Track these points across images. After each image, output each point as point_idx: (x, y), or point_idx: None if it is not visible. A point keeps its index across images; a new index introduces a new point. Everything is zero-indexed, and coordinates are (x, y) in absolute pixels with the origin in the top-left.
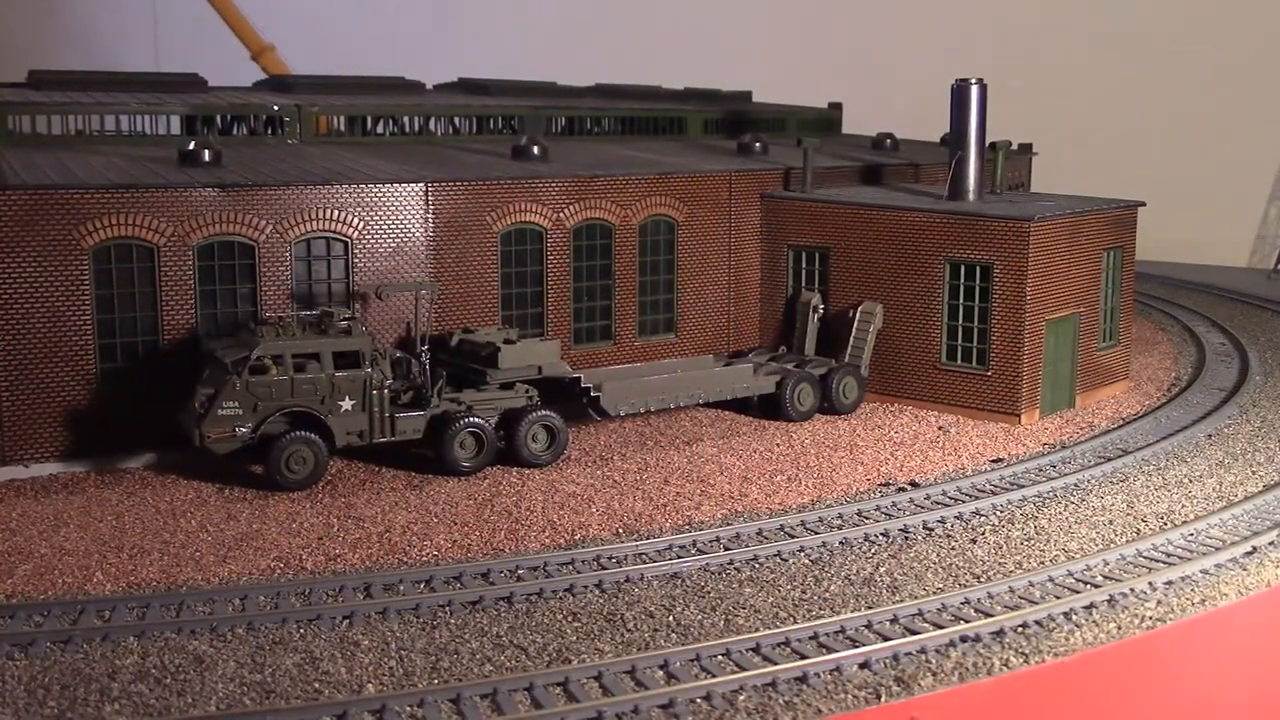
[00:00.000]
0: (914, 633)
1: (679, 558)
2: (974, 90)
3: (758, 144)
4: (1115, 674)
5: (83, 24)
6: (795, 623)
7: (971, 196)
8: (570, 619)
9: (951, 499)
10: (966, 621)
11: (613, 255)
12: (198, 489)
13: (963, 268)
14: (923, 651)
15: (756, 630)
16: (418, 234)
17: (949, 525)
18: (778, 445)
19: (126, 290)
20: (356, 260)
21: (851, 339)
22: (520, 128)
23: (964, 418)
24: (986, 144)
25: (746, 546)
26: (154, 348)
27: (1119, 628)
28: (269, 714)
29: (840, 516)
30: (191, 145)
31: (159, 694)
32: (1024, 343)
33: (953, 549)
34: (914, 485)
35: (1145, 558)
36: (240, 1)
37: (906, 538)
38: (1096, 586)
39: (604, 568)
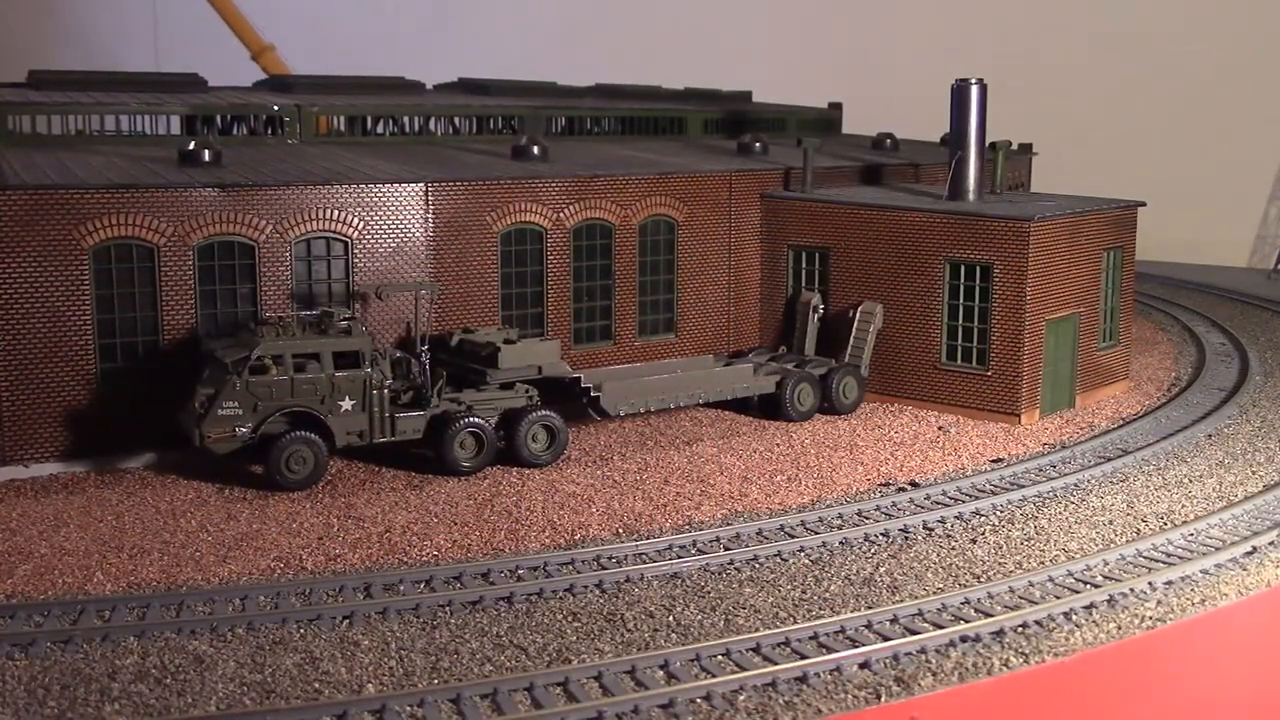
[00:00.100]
0: (914, 633)
1: (679, 558)
2: (974, 90)
3: (758, 144)
4: (1115, 674)
5: (83, 24)
6: (795, 623)
7: (971, 196)
8: (570, 619)
9: (951, 499)
10: (966, 621)
11: (613, 255)
12: (198, 489)
13: (963, 268)
14: (923, 651)
15: (756, 630)
16: (418, 234)
17: (949, 525)
18: (778, 445)
19: (126, 290)
20: (356, 260)
21: (851, 339)
22: (520, 128)
23: (964, 418)
24: (986, 144)
25: (746, 546)
26: (154, 348)
27: (1119, 628)
28: (269, 714)
29: (840, 516)
30: (191, 145)
31: (159, 694)
32: (1024, 343)
33: (953, 549)
34: (914, 485)
35: (1145, 558)
36: (240, 1)
37: (906, 538)
38: (1096, 586)
39: (604, 568)
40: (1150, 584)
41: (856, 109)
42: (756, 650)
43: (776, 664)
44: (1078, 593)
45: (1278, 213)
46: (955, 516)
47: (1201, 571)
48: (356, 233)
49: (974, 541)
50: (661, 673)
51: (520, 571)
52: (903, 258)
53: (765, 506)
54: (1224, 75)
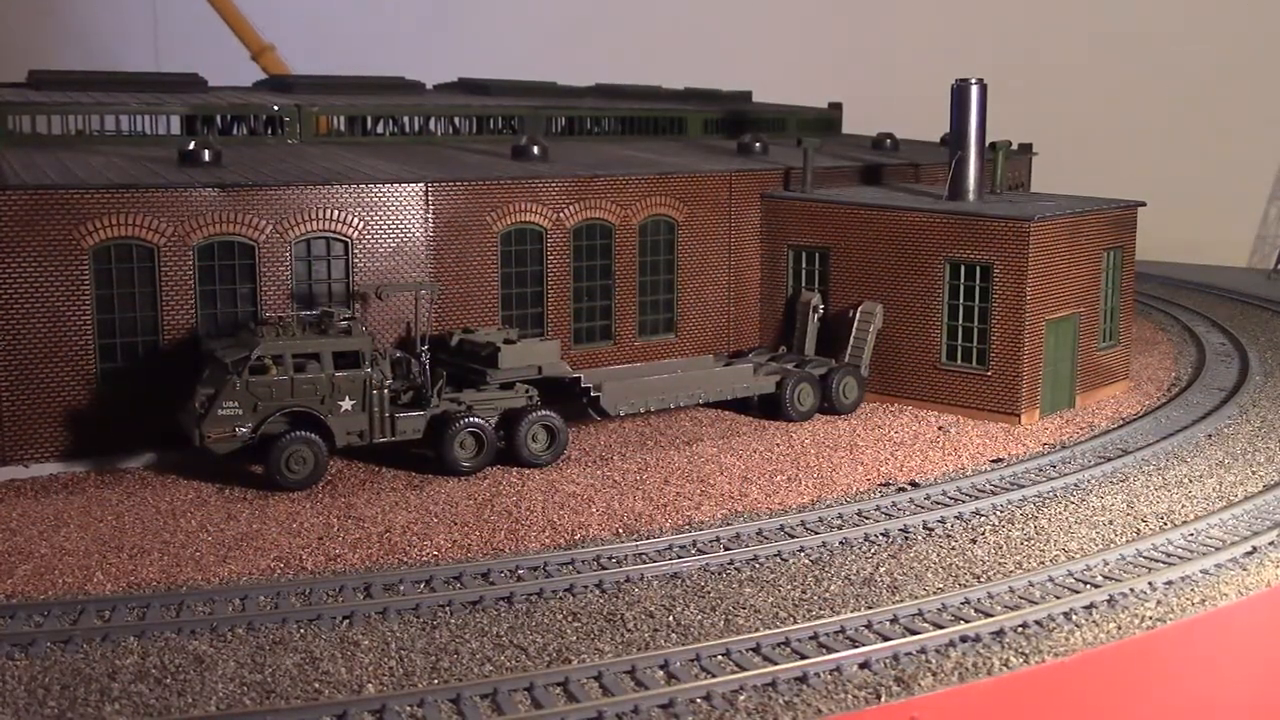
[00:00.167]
0: (914, 633)
1: (679, 558)
2: (974, 90)
3: (758, 144)
4: (1115, 674)
5: (83, 24)
6: (795, 623)
7: (971, 196)
8: (570, 619)
9: (951, 499)
10: (966, 621)
11: (613, 255)
12: (198, 489)
13: (963, 268)
14: (923, 651)
15: (756, 630)
16: (418, 234)
17: (949, 525)
18: (778, 445)
19: (126, 290)
20: (356, 260)
21: (851, 339)
22: (520, 128)
23: (964, 418)
24: (986, 144)
25: (746, 546)
26: (154, 348)
27: (1119, 628)
28: (269, 714)
29: (840, 516)
30: (191, 145)
31: (159, 694)
32: (1024, 343)
33: (953, 549)
34: (914, 485)
35: (1145, 558)
36: (240, 1)
37: (906, 538)
38: (1096, 586)
39: (604, 568)
40: (1150, 584)
41: (856, 109)
42: (756, 650)
43: (776, 664)
44: (1078, 593)
45: (1278, 213)
46: (955, 516)
47: (1201, 571)
48: (356, 233)
49: (974, 541)
50: (661, 673)
51: (520, 571)
52: (903, 258)
53: (765, 506)
54: (1224, 75)
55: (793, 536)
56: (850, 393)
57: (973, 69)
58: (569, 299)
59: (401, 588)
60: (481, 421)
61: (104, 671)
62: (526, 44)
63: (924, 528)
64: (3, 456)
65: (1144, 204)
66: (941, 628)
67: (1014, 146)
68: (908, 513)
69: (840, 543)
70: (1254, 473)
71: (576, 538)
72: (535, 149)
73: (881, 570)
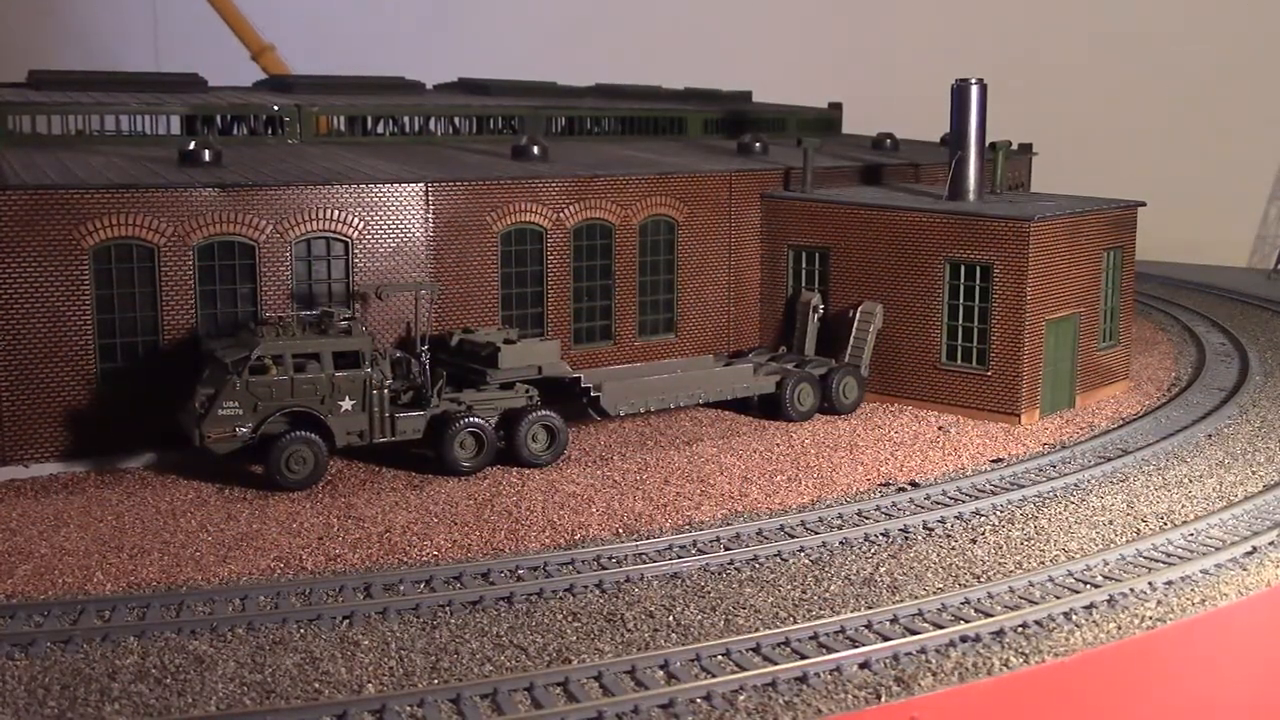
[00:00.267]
0: (914, 633)
1: (679, 558)
2: (974, 90)
3: (758, 144)
4: (1115, 674)
5: (83, 24)
6: (795, 623)
7: (971, 196)
8: (570, 619)
9: (951, 499)
10: (966, 621)
11: (613, 255)
12: (198, 489)
13: (963, 268)
14: (923, 651)
15: (756, 630)
16: (418, 234)
17: (949, 525)
18: (778, 445)
19: (126, 290)
20: (356, 260)
21: (851, 339)
22: (520, 128)
23: (964, 418)
24: (986, 144)
25: (746, 546)
26: (154, 348)
27: (1119, 628)
28: (269, 714)
29: (840, 516)
30: (191, 145)
31: (159, 694)
32: (1024, 343)
33: (953, 549)
34: (914, 485)
35: (1145, 558)
36: (240, 1)
37: (906, 538)
38: (1096, 586)
39: (604, 568)
40: (1150, 584)
41: (856, 109)
42: (756, 650)
43: (776, 664)
44: (1078, 593)
45: (1278, 213)
46: (955, 516)
47: (1201, 571)
48: (356, 233)
49: (974, 541)
50: (661, 673)
51: (520, 571)
52: (903, 258)
53: (765, 506)
54: (1224, 75)
55: (793, 536)
56: (850, 393)
57: (973, 69)
58: (569, 299)
59: (401, 588)
60: (481, 421)
61: (104, 671)
62: (526, 44)
63: (924, 528)
64: (3, 456)
65: (1144, 204)
66: (941, 628)
67: (1014, 146)
68: (908, 513)
69: (840, 543)
70: (1254, 473)
71: (576, 538)
72: (535, 149)
73: (881, 570)
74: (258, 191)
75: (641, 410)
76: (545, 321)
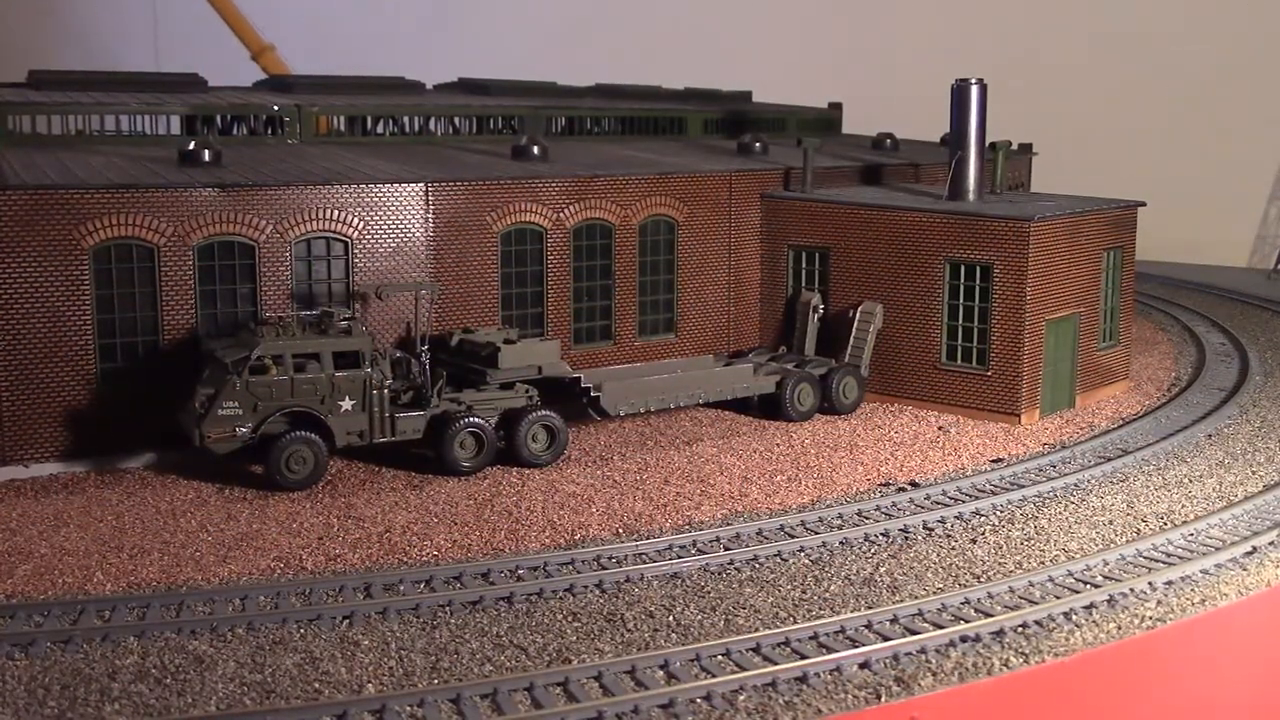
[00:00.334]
0: (914, 633)
1: (679, 558)
2: (974, 90)
3: (758, 144)
4: (1115, 674)
5: (83, 24)
6: (795, 623)
7: (971, 196)
8: (570, 619)
9: (951, 499)
10: (966, 621)
11: (613, 255)
12: (198, 489)
13: (963, 268)
14: (923, 651)
15: (756, 630)
16: (418, 234)
17: (949, 525)
18: (778, 445)
19: (126, 290)
20: (356, 260)
21: (851, 339)
22: (520, 128)
23: (964, 418)
24: (986, 144)
25: (746, 546)
26: (154, 348)
27: (1119, 628)
28: (269, 714)
29: (840, 516)
30: (191, 145)
31: (159, 694)
32: (1024, 343)
33: (953, 549)
34: (914, 485)
35: (1145, 558)
36: (240, 1)
37: (906, 538)
38: (1096, 586)
39: (604, 568)
40: (1150, 584)
41: (856, 109)
42: (756, 650)
43: (776, 664)
44: (1078, 593)
45: (1278, 213)
46: (955, 516)
47: (1201, 571)
48: (356, 233)
49: (974, 541)
50: (661, 673)
51: (520, 571)
52: (903, 258)
53: (765, 506)
54: (1224, 75)
55: (793, 536)
56: (850, 393)
57: (973, 69)
58: (569, 299)
59: (401, 588)
60: (481, 421)
61: (104, 671)
62: (526, 44)
63: (924, 528)
64: (3, 456)
65: (1144, 204)
66: (941, 628)
67: (1014, 146)
68: (908, 513)
69: (840, 543)
70: (1254, 473)
71: (576, 538)
72: (535, 149)
73: (881, 570)
74: (258, 191)
75: (641, 410)
76: (545, 321)
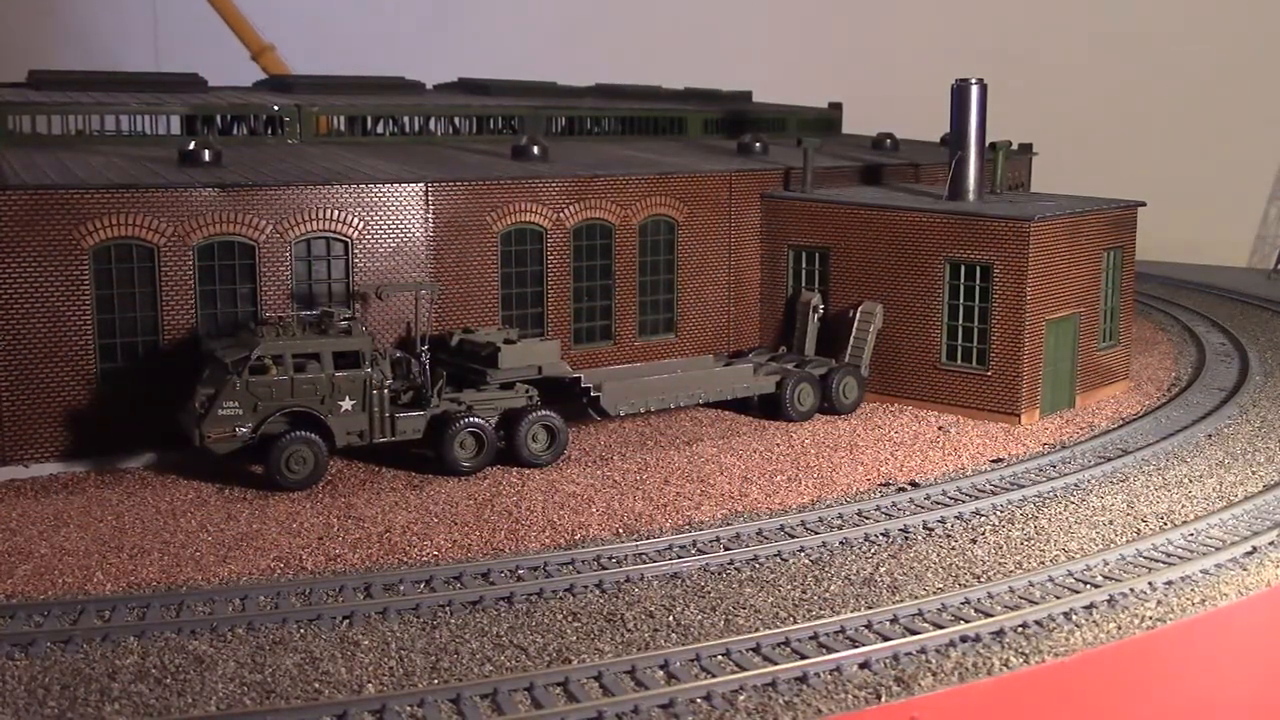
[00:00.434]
0: (914, 633)
1: (679, 558)
2: (974, 90)
3: (758, 144)
4: (1115, 674)
5: (83, 24)
6: (795, 623)
7: (971, 196)
8: (570, 619)
9: (951, 499)
10: (966, 621)
11: (613, 255)
12: (198, 489)
13: (963, 268)
14: (923, 651)
15: (756, 630)
16: (418, 234)
17: (949, 525)
18: (778, 445)
19: (126, 290)
20: (356, 260)
21: (851, 339)
22: (520, 128)
23: (964, 418)
24: (986, 144)
25: (746, 546)
26: (154, 348)
27: (1119, 628)
28: (269, 714)
29: (840, 516)
30: (191, 145)
31: (159, 694)
32: (1024, 343)
33: (953, 549)
34: (914, 485)
35: (1145, 558)
36: (240, 1)
37: (906, 538)
38: (1096, 586)
39: (604, 568)
40: (1150, 584)
41: (856, 109)
42: (756, 650)
43: (776, 664)
44: (1078, 593)
45: (1278, 213)
46: (955, 516)
47: (1201, 571)
48: (356, 233)
49: (974, 541)
50: (661, 673)
51: (520, 571)
52: (903, 258)
53: (765, 506)
54: (1224, 75)
55: (793, 536)
56: (850, 393)
57: (973, 69)
58: (569, 299)
59: (401, 588)
60: (481, 421)
61: (104, 671)
62: (526, 44)
63: (924, 528)
64: (3, 456)
65: (1144, 204)
66: (941, 628)
67: (1014, 146)
68: (908, 513)
69: (840, 543)
70: (1254, 473)
71: (576, 538)
72: (535, 149)
73: (881, 570)
74: (258, 191)
75: (641, 410)
76: (545, 321)
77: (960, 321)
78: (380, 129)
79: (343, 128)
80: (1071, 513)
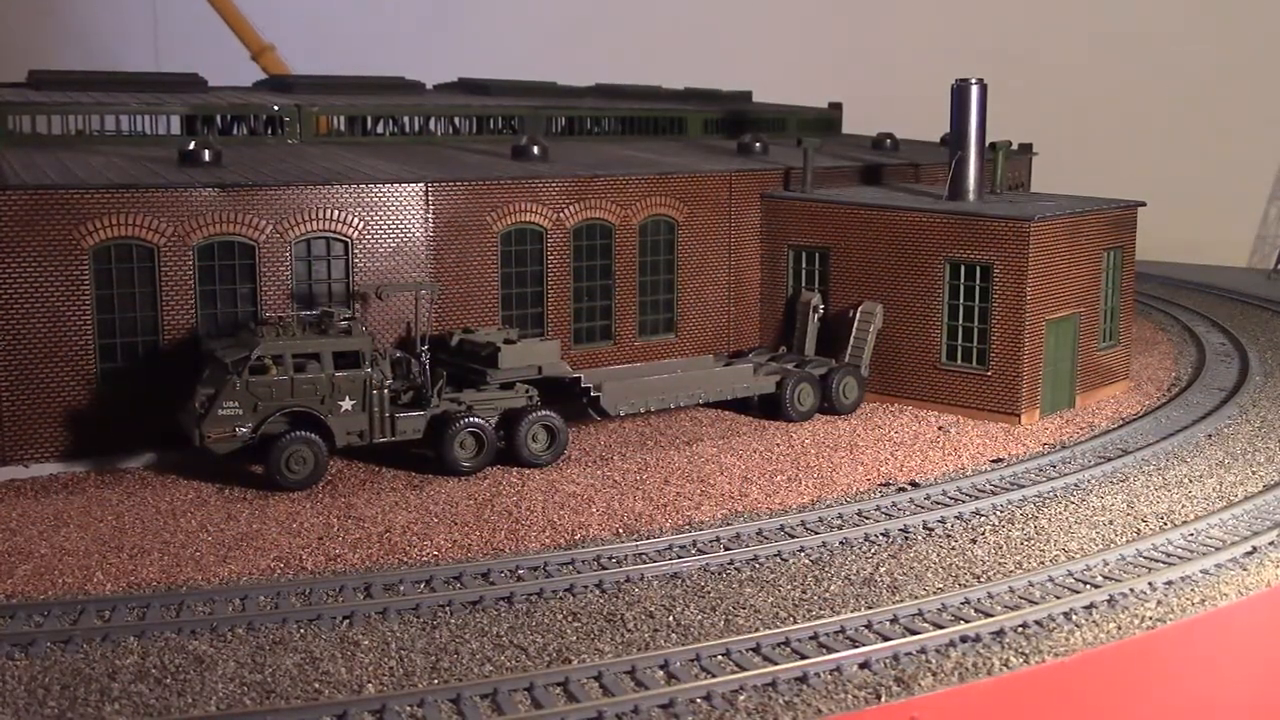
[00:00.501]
0: (914, 633)
1: (679, 558)
2: (974, 90)
3: (758, 144)
4: (1115, 674)
5: (83, 24)
6: (795, 623)
7: (971, 196)
8: (570, 619)
9: (951, 499)
10: (966, 621)
11: (613, 255)
12: (198, 489)
13: (963, 268)
14: (923, 651)
15: (756, 630)
16: (418, 234)
17: (949, 525)
18: (778, 445)
19: (126, 290)
20: (356, 260)
21: (851, 339)
22: (520, 128)
23: (964, 418)
24: (986, 144)
25: (746, 546)
26: (154, 348)
27: (1119, 628)
28: (269, 714)
29: (840, 516)
30: (191, 145)
31: (159, 694)
32: (1024, 343)
33: (953, 549)
34: (914, 485)
35: (1145, 558)
36: (240, 1)
37: (906, 538)
38: (1096, 586)
39: (604, 568)
40: (1150, 584)
41: (856, 109)
42: (756, 650)
43: (776, 664)
44: (1078, 593)
45: (1278, 213)
46: (955, 516)
47: (1201, 571)
48: (356, 233)
49: (974, 541)
50: (661, 673)
51: (520, 571)
52: (903, 258)
53: (765, 506)
54: (1224, 75)
55: (793, 536)
56: (850, 393)
57: (973, 69)
58: (569, 299)
59: (401, 588)
60: (481, 421)
61: (104, 671)
62: (526, 44)
63: (924, 528)
64: (3, 456)
65: (1144, 204)
66: (941, 628)
67: (1014, 146)
68: (908, 513)
69: (840, 543)
70: (1254, 473)
71: (576, 538)
72: (535, 149)
73: (881, 570)
74: (258, 191)
75: (641, 410)
76: (545, 321)
77: (960, 321)
78: (380, 129)
79: (343, 128)
80: (1071, 513)
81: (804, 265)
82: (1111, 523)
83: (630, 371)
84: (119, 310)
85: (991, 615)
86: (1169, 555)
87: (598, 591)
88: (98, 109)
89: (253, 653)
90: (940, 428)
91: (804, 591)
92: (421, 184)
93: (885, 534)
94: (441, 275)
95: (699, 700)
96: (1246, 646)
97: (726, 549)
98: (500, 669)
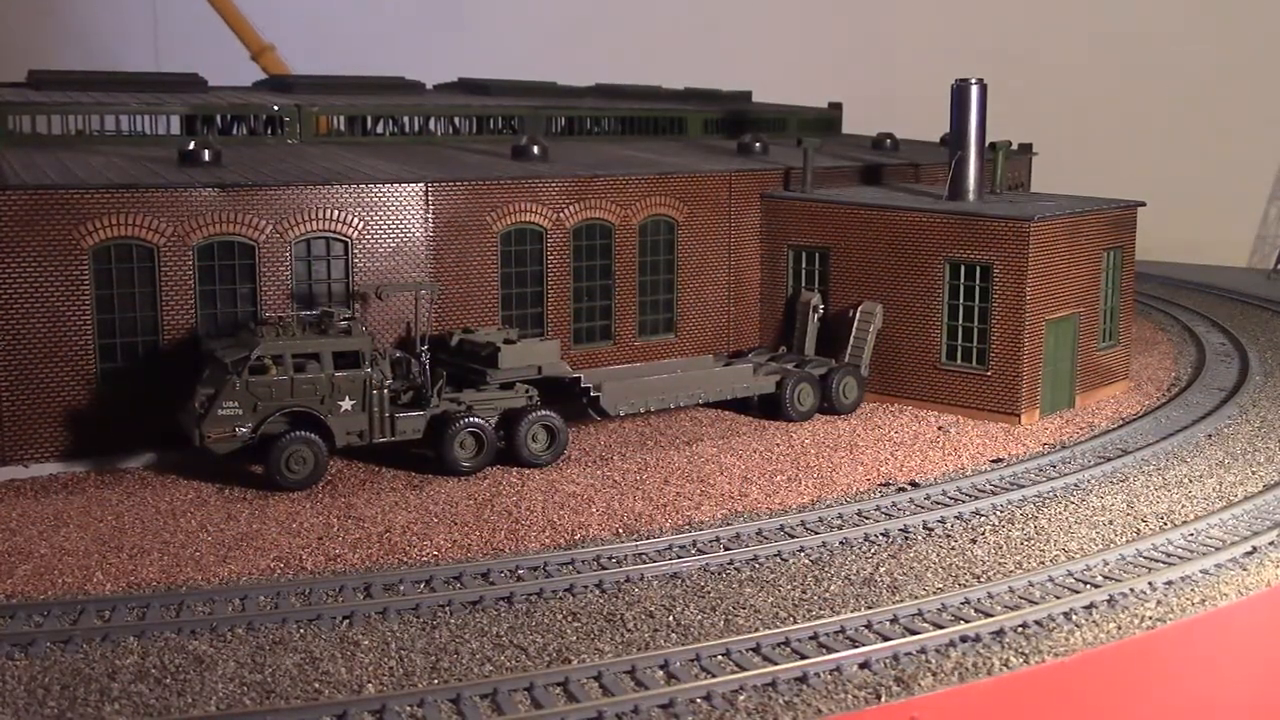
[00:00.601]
0: (914, 633)
1: (679, 558)
2: (974, 90)
3: (758, 144)
4: (1115, 674)
5: (83, 24)
6: (795, 623)
7: (971, 196)
8: (570, 619)
9: (951, 499)
10: (966, 621)
11: (613, 255)
12: (198, 489)
13: (963, 268)
14: (923, 651)
15: (756, 630)
16: (418, 234)
17: (949, 525)
18: (778, 445)
19: (126, 290)
20: (356, 260)
21: (851, 339)
22: (520, 128)
23: (964, 418)
24: (986, 144)
25: (746, 546)
26: (154, 348)
27: (1119, 628)
28: (269, 714)
29: (840, 516)
30: (191, 145)
31: (159, 694)
32: (1024, 343)
33: (953, 549)
34: (914, 485)
35: (1145, 558)
36: (240, 1)
37: (906, 538)
38: (1096, 586)
39: (604, 568)
40: (1150, 584)
41: (856, 109)
42: (756, 650)
43: (776, 664)
44: (1078, 593)
45: (1278, 213)
46: (955, 516)
47: (1201, 571)
48: (356, 233)
49: (974, 541)
50: (661, 673)
51: (520, 571)
52: (903, 258)
53: (765, 506)
54: (1224, 75)
55: (793, 536)
56: (850, 393)
57: (973, 69)
58: (569, 299)
59: (401, 588)
60: (481, 421)
61: (104, 671)
62: (526, 44)
63: (924, 528)
64: (3, 456)
65: (1144, 204)
66: (941, 628)
67: (1014, 146)
68: (908, 513)
69: (840, 543)
70: (1254, 473)
71: (576, 538)
72: (535, 149)
73: (881, 570)
74: (257, 191)
75: (641, 410)
76: (545, 321)
77: (960, 321)
78: (380, 129)
79: (343, 128)
80: (1071, 513)
81: (804, 265)
82: (1111, 523)
83: (630, 371)
84: (119, 310)
85: (991, 615)
86: (1169, 555)
87: (598, 591)
88: (98, 109)
89: (253, 653)
90: (940, 428)
91: (804, 591)
92: (421, 184)
93: (885, 534)
94: (441, 275)
95: (699, 700)
96: (1246, 646)
97: (726, 549)
98: (500, 669)
